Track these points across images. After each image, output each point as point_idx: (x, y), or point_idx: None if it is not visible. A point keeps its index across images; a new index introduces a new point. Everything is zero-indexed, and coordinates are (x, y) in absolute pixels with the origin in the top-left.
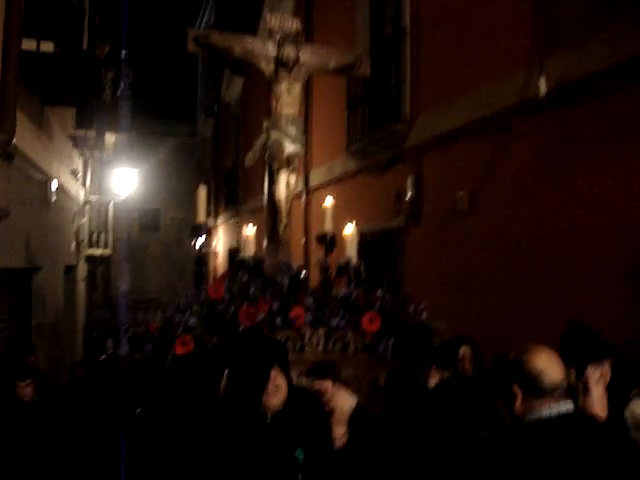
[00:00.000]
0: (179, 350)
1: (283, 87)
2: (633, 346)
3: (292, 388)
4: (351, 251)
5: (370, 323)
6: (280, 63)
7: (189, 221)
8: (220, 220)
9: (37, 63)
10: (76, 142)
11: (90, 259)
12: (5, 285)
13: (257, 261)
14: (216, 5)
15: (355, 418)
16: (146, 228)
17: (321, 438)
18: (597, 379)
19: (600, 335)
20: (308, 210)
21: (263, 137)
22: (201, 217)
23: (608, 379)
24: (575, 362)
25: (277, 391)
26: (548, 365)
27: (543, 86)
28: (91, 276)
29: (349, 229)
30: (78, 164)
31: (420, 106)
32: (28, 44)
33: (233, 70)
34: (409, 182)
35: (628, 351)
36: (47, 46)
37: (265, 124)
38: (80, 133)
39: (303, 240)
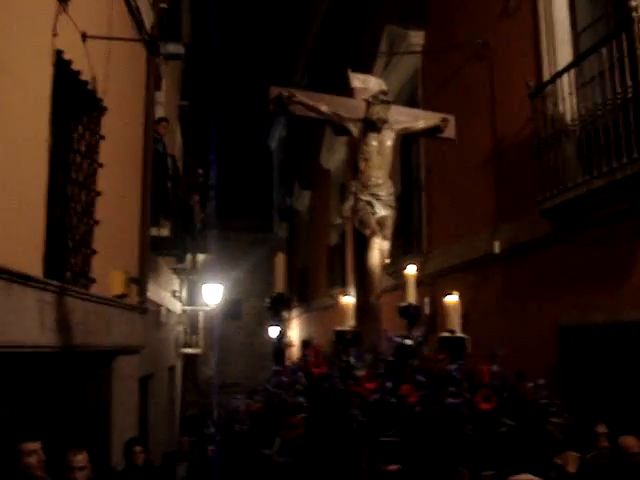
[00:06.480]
0: (290, 434)
1: (373, 148)
2: None
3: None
4: (453, 323)
5: (485, 401)
6: (369, 124)
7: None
8: (294, 314)
9: (156, 241)
10: (175, 270)
11: (185, 356)
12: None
13: (356, 334)
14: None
15: None
16: (229, 317)
17: None
18: None
19: None
20: None
21: (350, 202)
22: (280, 286)
23: None
24: None
25: None
26: None
27: (497, 247)
28: (185, 370)
29: (452, 298)
30: (176, 285)
31: (433, 244)
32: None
33: (302, 185)
34: (426, 301)
35: None
36: (164, 230)
37: (353, 187)
38: (179, 265)
39: None
